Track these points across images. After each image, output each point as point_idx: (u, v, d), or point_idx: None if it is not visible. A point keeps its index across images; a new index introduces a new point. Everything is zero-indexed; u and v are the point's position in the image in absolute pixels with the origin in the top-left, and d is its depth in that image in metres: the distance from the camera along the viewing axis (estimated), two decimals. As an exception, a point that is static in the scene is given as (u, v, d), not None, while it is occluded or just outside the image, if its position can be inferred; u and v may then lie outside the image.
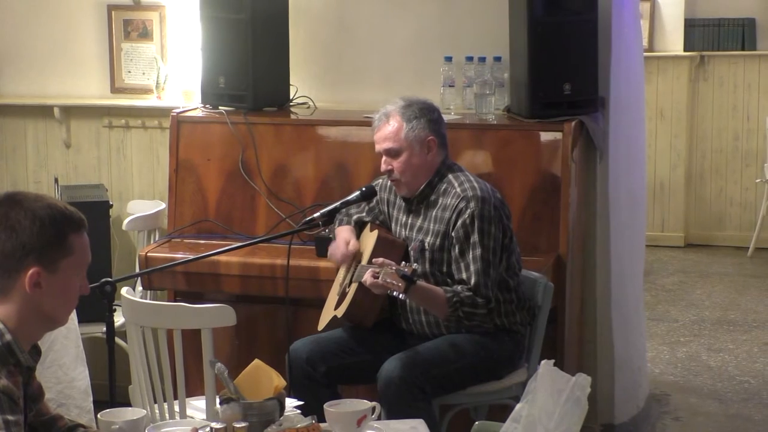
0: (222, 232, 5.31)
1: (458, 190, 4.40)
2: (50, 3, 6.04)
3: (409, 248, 4.46)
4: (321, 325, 4.59)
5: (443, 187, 4.46)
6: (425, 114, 4.47)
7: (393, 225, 4.62)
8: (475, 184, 4.41)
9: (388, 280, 4.02)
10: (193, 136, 5.43)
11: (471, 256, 4.31)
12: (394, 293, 4.07)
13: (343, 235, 4.63)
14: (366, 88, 5.64)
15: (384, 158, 4.49)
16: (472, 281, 4.29)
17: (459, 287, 4.31)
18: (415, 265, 4.13)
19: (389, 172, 4.49)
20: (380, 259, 4.14)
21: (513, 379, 4.47)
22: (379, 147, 4.50)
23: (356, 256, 4.56)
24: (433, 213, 4.45)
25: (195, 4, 5.51)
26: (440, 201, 4.44)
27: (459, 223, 4.35)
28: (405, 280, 4.02)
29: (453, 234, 4.36)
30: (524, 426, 2.88)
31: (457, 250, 4.35)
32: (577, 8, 5.10)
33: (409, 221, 4.52)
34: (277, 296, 4.92)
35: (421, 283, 4.18)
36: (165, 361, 4.19)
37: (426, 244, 4.42)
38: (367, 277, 4.12)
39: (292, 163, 5.32)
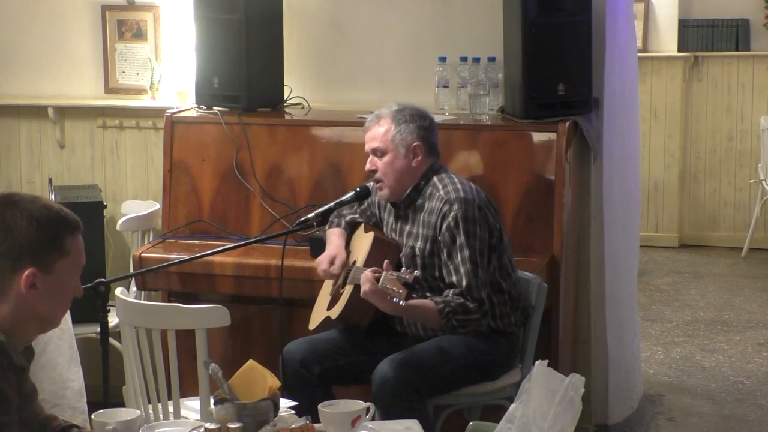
0: (216, 232, 5.31)
1: (441, 193, 4.40)
2: (44, 3, 6.03)
3: (401, 254, 4.45)
4: (312, 325, 4.58)
5: (429, 191, 4.45)
6: (416, 120, 4.47)
7: (384, 228, 4.61)
8: (458, 186, 4.40)
9: (389, 286, 4.01)
10: (188, 137, 5.42)
11: (459, 258, 4.30)
12: (394, 300, 4.05)
13: (331, 249, 4.59)
14: (360, 88, 5.64)
15: (370, 158, 4.50)
16: (464, 283, 4.28)
17: (450, 292, 4.30)
18: (416, 272, 4.11)
19: (372, 172, 4.50)
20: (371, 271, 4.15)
21: (507, 379, 4.47)
22: (367, 146, 4.52)
23: (347, 263, 4.56)
24: (421, 217, 4.44)
25: (189, 5, 5.51)
26: (426, 205, 4.44)
27: (444, 226, 4.34)
28: (406, 287, 4.00)
29: (440, 238, 4.35)
30: (518, 426, 2.88)
31: (445, 253, 4.34)
32: (571, 9, 5.10)
33: (399, 226, 4.52)
34: (271, 297, 4.92)
35: (410, 301, 4.18)
36: (159, 361, 4.19)
37: (417, 250, 4.41)
38: (364, 287, 4.13)
39: (286, 163, 5.32)
